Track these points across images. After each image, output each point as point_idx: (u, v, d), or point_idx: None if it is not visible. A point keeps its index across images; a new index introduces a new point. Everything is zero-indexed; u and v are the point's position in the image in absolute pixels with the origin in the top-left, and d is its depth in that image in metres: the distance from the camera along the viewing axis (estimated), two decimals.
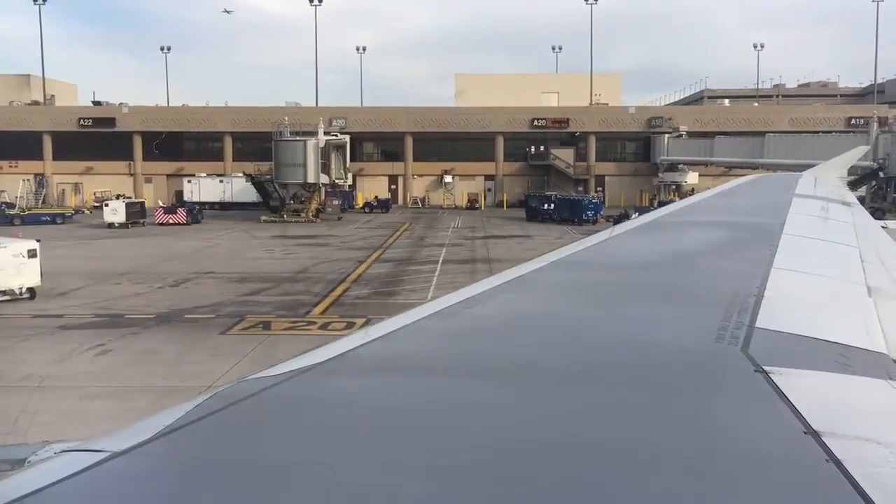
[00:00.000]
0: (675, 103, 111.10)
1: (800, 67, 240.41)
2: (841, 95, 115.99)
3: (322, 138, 63.18)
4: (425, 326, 3.36)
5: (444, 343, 3.18)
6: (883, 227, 8.32)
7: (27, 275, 29.21)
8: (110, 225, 57.91)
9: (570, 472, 1.88)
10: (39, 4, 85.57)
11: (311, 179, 63.20)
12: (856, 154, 19.69)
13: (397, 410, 2.36)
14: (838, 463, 1.89)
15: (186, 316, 26.27)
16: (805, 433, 2.09)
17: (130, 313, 26.53)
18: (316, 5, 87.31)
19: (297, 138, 63.44)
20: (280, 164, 63.68)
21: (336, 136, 66.66)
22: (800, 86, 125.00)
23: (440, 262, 39.99)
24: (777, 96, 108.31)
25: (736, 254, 5.49)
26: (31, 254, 29.66)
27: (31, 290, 29.45)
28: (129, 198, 72.06)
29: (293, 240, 50.56)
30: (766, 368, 2.64)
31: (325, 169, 63.20)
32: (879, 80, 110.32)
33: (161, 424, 2.15)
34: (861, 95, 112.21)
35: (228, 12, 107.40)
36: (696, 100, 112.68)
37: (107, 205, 60.53)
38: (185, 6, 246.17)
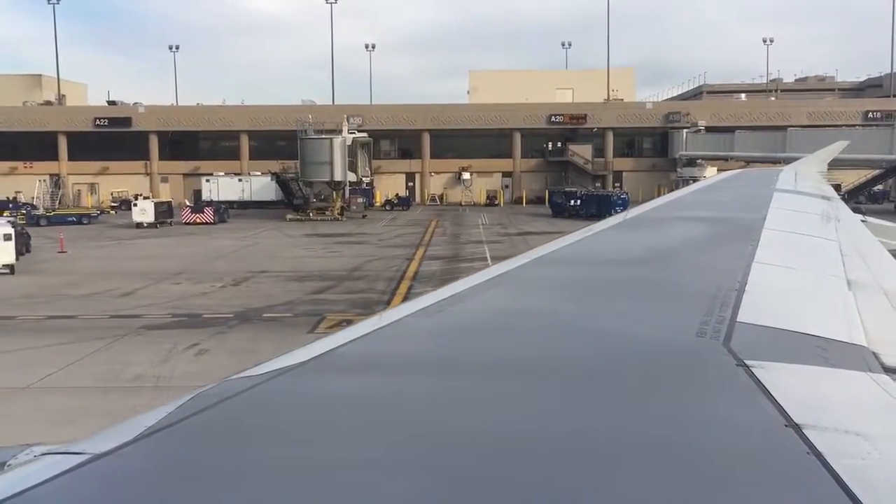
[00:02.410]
0: (673, 98, 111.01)
1: (795, 62, 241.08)
2: (839, 90, 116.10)
3: (348, 136, 63.06)
4: (410, 324, 3.38)
5: (429, 341, 3.18)
6: (862, 221, 8.38)
7: (2, 255, 34.56)
8: (139, 225, 57.62)
9: (554, 467, 1.88)
10: (53, 4, 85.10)
11: (337, 177, 63.02)
12: (836, 149, 19.89)
13: (381, 409, 2.35)
14: (819, 456, 1.90)
15: (265, 315, 26.19)
16: (786, 426, 2.10)
17: (207, 313, 26.44)
18: (332, 2, 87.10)
19: (324, 136, 63.30)
20: (306, 162, 63.51)
21: (353, 133, 66.52)
22: (797, 80, 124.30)
23: (488, 258, 39.97)
24: (776, 90, 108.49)
25: (717, 249, 5.55)
26: (7, 237, 34.98)
27: (8, 267, 34.71)
28: (148, 197, 71.87)
29: (328, 238, 50.44)
30: (748, 362, 2.66)
31: (353, 167, 63.08)
32: (877, 74, 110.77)
33: (143, 425, 2.13)
34: (860, 90, 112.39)
35: None
36: (694, 95, 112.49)
37: (135, 204, 60.19)
38: (174, 6, 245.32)
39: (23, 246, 40.58)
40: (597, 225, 6.95)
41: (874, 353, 3.13)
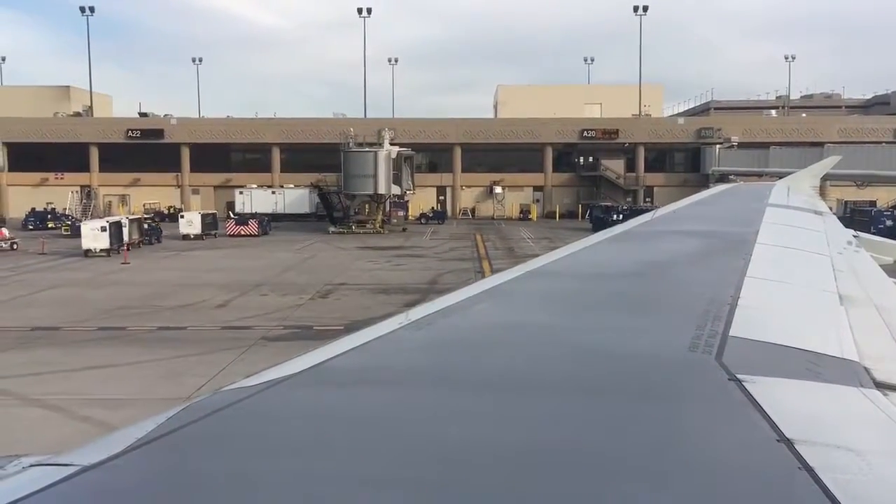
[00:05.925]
0: (681, 114, 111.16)
1: (796, 79, 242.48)
2: (846, 107, 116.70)
3: (393, 149, 63.14)
4: (401, 337, 3.39)
5: (420, 354, 3.18)
6: (854, 237, 8.39)
7: (100, 242, 47.34)
8: (185, 236, 57.57)
9: (544, 482, 1.88)
10: (87, 16, 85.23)
11: (381, 190, 63.01)
12: (828, 163, 20.06)
13: (371, 422, 2.35)
14: (811, 471, 1.91)
15: None
16: (778, 441, 2.11)
17: (316, 325, 26.37)
18: (364, 17, 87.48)
19: (367, 149, 63.37)
20: (350, 175, 63.49)
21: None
22: (803, 97, 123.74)
23: None
24: (784, 107, 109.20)
25: (710, 263, 5.57)
26: (103, 229, 47.58)
27: (105, 251, 46.78)
28: (181, 209, 72.19)
29: (384, 251, 50.38)
30: (740, 377, 2.66)
31: (397, 180, 63.12)
32: (883, 92, 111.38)
33: (133, 437, 2.13)
34: (866, 107, 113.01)
35: None
36: (702, 111, 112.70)
37: (182, 216, 60.35)
38: (175, 22, 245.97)
39: (153, 237, 54.97)
40: (591, 237, 6.96)
41: (866, 368, 3.12)
